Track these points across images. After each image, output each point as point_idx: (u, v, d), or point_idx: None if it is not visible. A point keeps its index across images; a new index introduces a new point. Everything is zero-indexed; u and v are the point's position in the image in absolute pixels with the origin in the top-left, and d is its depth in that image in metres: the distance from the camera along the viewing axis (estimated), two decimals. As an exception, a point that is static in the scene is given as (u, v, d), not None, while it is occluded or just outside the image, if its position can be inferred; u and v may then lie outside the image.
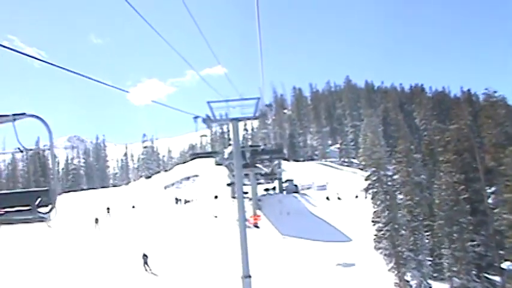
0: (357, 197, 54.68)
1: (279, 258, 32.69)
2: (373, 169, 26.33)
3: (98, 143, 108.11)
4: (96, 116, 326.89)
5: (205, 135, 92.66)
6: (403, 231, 24.54)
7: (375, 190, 26.83)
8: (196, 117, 16.83)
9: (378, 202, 26.27)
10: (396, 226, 24.54)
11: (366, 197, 54.51)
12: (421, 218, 25.07)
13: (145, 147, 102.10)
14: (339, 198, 53.81)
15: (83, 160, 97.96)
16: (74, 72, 5.05)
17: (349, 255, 32.24)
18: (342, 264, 30.36)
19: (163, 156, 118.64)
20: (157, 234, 37.51)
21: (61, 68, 4.84)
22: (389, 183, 25.87)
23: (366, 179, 27.25)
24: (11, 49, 4.07)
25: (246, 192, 54.85)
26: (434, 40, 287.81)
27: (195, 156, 69.76)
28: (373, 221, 27.39)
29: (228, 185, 58.19)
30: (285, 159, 76.39)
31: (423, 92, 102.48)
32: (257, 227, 42.36)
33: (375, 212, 27.64)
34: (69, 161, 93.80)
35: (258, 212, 44.93)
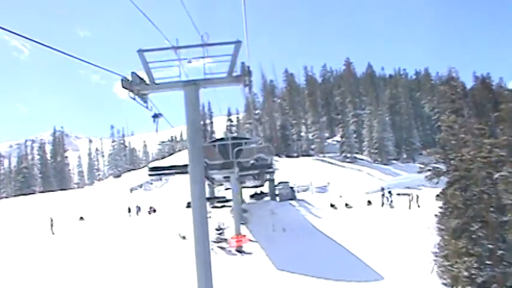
0: (369, 203, 42.77)
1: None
2: (455, 173, 14.06)
3: (56, 136, 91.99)
4: (82, 110, 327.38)
5: None
6: None
7: (448, 208, 14.66)
8: (154, 116, 10.48)
9: (453, 229, 14.05)
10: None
11: (382, 205, 42.67)
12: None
13: (113, 141, 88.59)
14: (347, 205, 41.72)
15: (38, 157, 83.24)
16: (70, 55, 5.53)
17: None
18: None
19: (139, 151, 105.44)
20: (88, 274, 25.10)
21: (57, 51, 5.28)
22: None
23: (440, 194, 14.80)
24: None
25: (224, 197, 43.04)
26: (432, 23, 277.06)
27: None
28: (443, 267, 15.15)
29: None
30: (276, 155, 64.39)
31: (429, 78, 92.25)
32: (241, 252, 30.02)
33: (442, 247, 15.52)
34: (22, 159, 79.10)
35: (243, 230, 32.41)
